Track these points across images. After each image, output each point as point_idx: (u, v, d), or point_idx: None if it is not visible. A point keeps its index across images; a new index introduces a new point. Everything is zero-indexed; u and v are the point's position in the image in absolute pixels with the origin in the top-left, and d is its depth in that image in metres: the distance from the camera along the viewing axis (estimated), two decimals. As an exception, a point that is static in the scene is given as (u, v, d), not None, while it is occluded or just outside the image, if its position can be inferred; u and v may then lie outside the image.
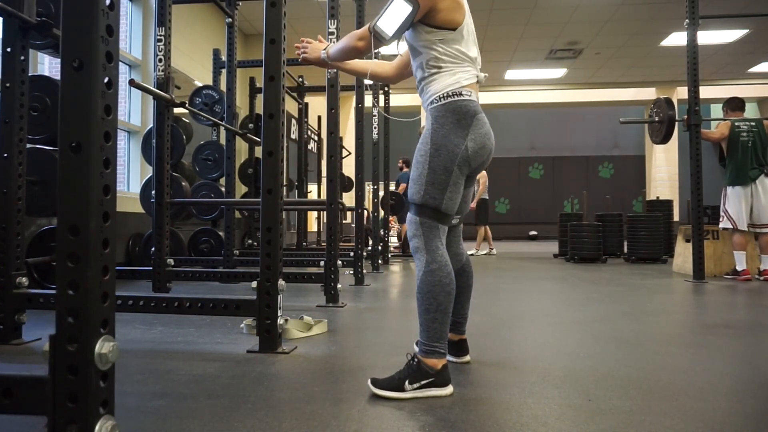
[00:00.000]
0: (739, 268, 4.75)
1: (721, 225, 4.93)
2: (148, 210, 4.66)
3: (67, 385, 0.92)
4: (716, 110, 14.53)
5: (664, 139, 5.06)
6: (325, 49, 1.88)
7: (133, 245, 5.14)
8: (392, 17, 1.56)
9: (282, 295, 2.10)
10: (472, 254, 8.18)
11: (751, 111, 13.73)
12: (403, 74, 1.97)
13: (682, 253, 5.41)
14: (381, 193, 6.75)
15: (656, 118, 5.15)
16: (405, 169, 8.75)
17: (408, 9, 1.54)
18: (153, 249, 3.39)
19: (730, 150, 4.86)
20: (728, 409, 1.45)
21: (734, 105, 5.02)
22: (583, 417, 1.37)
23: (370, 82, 5.72)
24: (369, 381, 1.57)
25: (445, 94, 1.63)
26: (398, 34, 1.58)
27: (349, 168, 9.47)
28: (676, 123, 4.96)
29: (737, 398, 1.55)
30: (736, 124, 4.86)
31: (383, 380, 1.55)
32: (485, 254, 8.29)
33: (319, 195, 9.23)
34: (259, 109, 6.21)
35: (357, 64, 1.94)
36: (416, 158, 1.64)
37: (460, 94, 1.63)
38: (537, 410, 1.42)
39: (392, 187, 7.55)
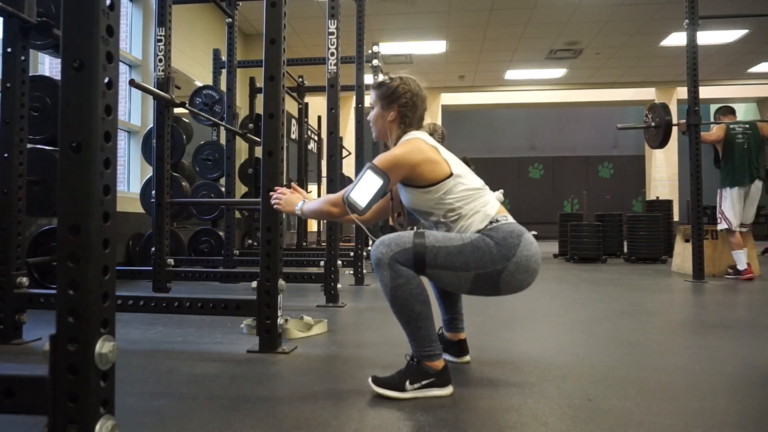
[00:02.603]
0: (740, 267, 4.77)
1: (719, 227, 4.97)
2: (148, 210, 4.66)
3: (68, 385, 0.92)
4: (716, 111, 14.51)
5: (661, 144, 5.14)
6: (300, 206, 1.86)
7: (133, 245, 5.14)
8: (364, 189, 1.57)
9: (282, 295, 2.10)
10: None
11: (751, 111, 13.73)
12: (378, 219, 1.95)
13: (681, 253, 5.42)
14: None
15: (653, 123, 5.23)
16: None
17: (379, 182, 1.55)
18: (153, 249, 3.39)
19: (726, 152, 4.95)
20: (728, 409, 1.45)
21: (726, 111, 5.18)
22: (583, 417, 1.37)
23: (371, 81, 5.73)
24: (370, 379, 1.57)
25: (482, 228, 1.58)
26: (370, 206, 1.59)
27: (349, 168, 9.47)
28: (673, 127, 5.05)
29: (737, 398, 1.55)
30: (731, 126, 4.96)
31: (384, 379, 1.55)
32: None
33: (319, 195, 9.23)
34: (259, 109, 6.23)
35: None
36: (462, 234, 1.58)
37: (497, 221, 1.59)
38: (537, 410, 1.43)
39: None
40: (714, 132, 5.04)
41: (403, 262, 1.52)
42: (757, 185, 4.88)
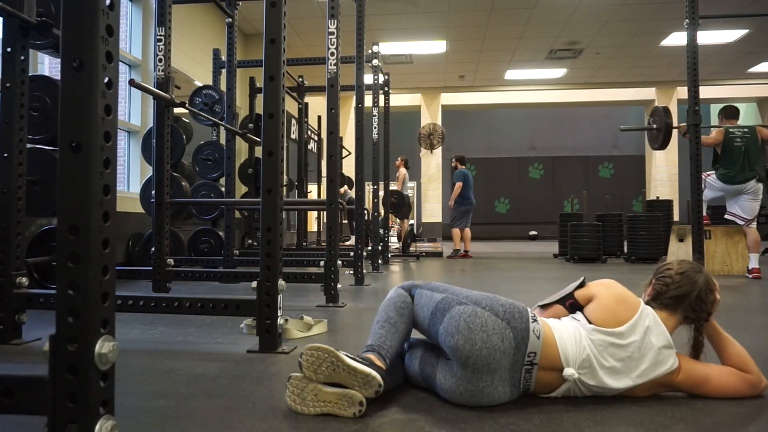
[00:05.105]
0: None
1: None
2: (148, 210, 4.66)
3: (67, 385, 0.92)
4: (716, 111, 14.51)
5: (662, 145, 5.31)
6: None
7: (133, 245, 5.14)
8: None
9: (282, 295, 2.10)
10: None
11: (751, 111, 13.74)
12: None
13: (676, 252, 5.48)
14: (381, 193, 6.75)
15: (654, 126, 5.43)
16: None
17: None
18: (153, 249, 3.39)
19: (723, 154, 5.12)
20: (727, 409, 1.45)
21: (729, 113, 5.29)
22: (584, 416, 1.38)
23: (371, 81, 5.72)
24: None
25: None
26: None
27: (349, 168, 9.47)
28: (673, 130, 5.20)
29: (736, 398, 1.55)
30: (731, 130, 5.11)
31: None
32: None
33: (319, 195, 9.24)
34: (259, 109, 6.22)
35: None
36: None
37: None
38: (538, 410, 1.42)
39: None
40: (713, 135, 5.20)
41: (404, 286, 1.73)
42: (756, 186, 5.02)
